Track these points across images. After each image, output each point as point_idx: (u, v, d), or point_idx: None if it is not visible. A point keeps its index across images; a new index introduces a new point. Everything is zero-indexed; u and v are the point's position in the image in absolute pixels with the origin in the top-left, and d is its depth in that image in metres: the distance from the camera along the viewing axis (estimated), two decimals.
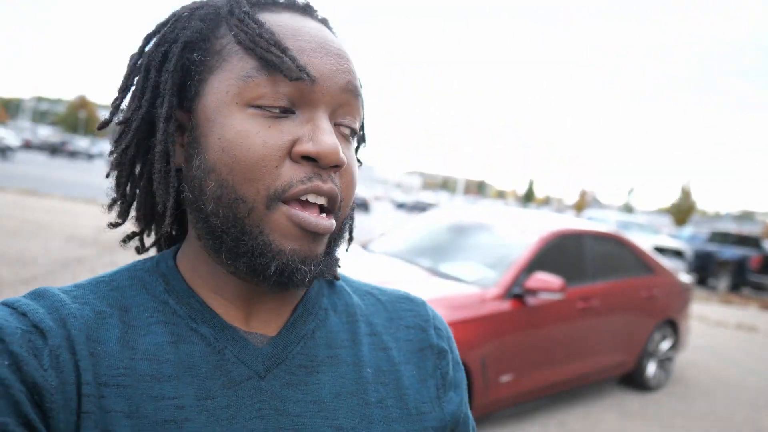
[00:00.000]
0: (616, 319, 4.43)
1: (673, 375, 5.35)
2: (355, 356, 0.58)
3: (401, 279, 3.69)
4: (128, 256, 5.65)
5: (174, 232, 0.64)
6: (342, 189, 0.51)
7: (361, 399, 0.55)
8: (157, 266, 0.56)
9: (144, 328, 0.50)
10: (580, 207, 72.34)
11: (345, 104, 0.52)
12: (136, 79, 0.54)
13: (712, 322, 8.72)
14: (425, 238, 4.61)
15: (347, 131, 0.53)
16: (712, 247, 14.75)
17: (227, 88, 0.49)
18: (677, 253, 14.89)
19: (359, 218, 24.27)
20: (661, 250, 14.88)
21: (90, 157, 41.58)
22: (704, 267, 14.53)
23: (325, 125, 0.49)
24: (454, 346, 0.67)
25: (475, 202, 59.57)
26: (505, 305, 3.51)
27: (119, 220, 0.59)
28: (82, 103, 75.77)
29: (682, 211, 47.42)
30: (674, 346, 5.11)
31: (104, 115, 0.59)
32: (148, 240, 0.64)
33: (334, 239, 0.54)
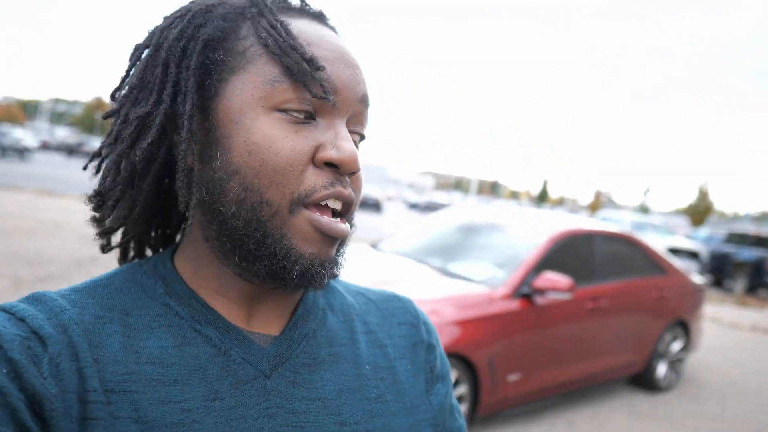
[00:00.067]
0: (626, 320, 4.42)
1: (684, 376, 5.31)
2: (354, 354, 0.60)
3: (410, 278, 3.72)
4: None
5: (164, 233, 0.64)
6: (354, 192, 0.53)
7: (362, 395, 0.57)
8: (155, 268, 0.55)
9: (146, 332, 0.50)
10: (594, 207, 71.73)
11: (359, 113, 0.54)
12: (155, 72, 0.51)
13: (726, 324, 8.63)
14: (435, 238, 4.64)
15: (357, 138, 0.55)
16: (729, 248, 14.54)
17: (252, 90, 0.49)
18: (692, 254, 14.70)
19: (371, 218, 24.32)
20: (675, 251, 14.71)
21: None
22: (720, 268, 14.33)
23: (345, 133, 0.50)
24: (439, 341, 0.70)
25: (488, 202, 59.39)
26: (514, 305, 3.53)
27: (111, 225, 0.55)
28: (98, 105, 76.72)
29: (699, 212, 46.84)
30: (685, 347, 5.07)
31: None
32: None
33: (342, 242, 0.55)
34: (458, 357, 3.19)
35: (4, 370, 0.41)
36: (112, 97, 0.54)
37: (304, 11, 0.55)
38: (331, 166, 0.49)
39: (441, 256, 4.19)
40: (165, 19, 0.54)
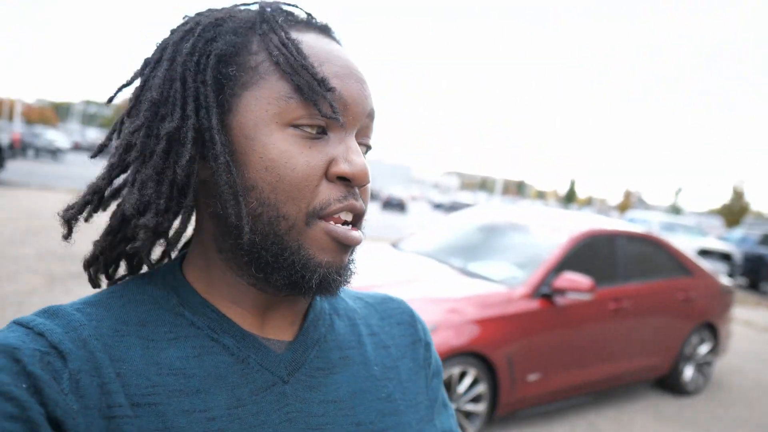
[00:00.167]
0: (650, 321, 4.35)
1: (712, 380, 5.20)
2: (362, 356, 0.61)
3: (429, 277, 3.74)
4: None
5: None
6: (364, 203, 0.54)
7: (374, 395, 0.59)
8: (165, 280, 0.55)
9: (164, 342, 0.50)
10: (624, 208, 70.41)
11: (366, 126, 0.55)
12: (174, 86, 0.50)
13: (759, 328, 8.39)
14: (455, 238, 4.64)
15: (364, 149, 0.56)
16: (764, 250, 14.08)
17: (267, 107, 0.49)
18: (725, 256, 14.33)
19: (395, 218, 24.34)
20: (706, 253, 14.36)
21: None
22: (755, 270, 13.90)
23: (355, 146, 0.52)
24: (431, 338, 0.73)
25: (513, 202, 58.82)
26: (533, 304, 3.51)
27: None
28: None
29: (734, 213, 45.59)
30: (713, 351, 4.96)
31: None
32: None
33: (354, 250, 0.56)
34: (477, 356, 3.20)
35: (23, 385, 0.41)
36: (129, 113, 0.53)
37: (311, 25, 0.55)
38: (343, 179, 0.51)
39: (461, 256, 4.19)
40: (173, 32, 0.54)
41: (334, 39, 0.56)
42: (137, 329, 0.50)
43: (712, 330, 4.93)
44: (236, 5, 0.56)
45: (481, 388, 3.24)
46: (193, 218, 0.56)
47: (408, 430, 0.60)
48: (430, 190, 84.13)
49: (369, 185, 0.55)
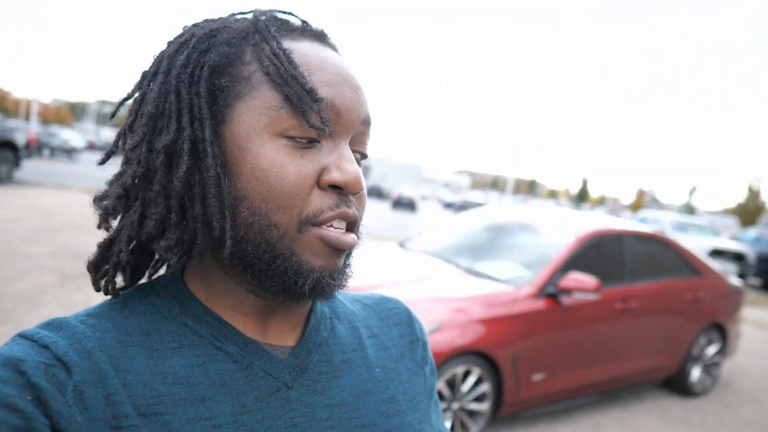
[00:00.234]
0: (657, 321, 4.34)
1: (720, 381, 5.17)
2: (363, 358, 0.62)
3: (435, 276, 3.76)
4: None
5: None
6: (358, 210, 0.54)
7: (377, 397, 0.60)
8: (167, 289, 0.55)
9: (168, 352, 0.50)
10: (636, 207, 69.82)
11: (361, 133, 0.55)
12: (169, 99, 0.51)
13: None
14: (462, 237, 4.66)
15: (359, 156, 0.56)
16: None
17: (258, 117, 0.50)
18: (738, 256, 14.17)
19: (405, 217, 24.35)
20: (719, 253, 14.22)
21: None
22: None
23: (348, 154, 0.51)
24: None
25: (525, 201, 58.50)
26: (539, 304, 3.52)
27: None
28: None
29: (749, 212, 44.99)
30: (721, 351, 4.93)
31: None
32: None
33: (350, 253, 0.56)
34: (481, 355, 3.22)
35: (28, 397, 0.41)
36: (131, 128, 0.53)
37: (306, 31, 0.55)
38: (335, 187, 0.51)
39: (468, 256, 4.21)
40: (169, 44, 0.54)
41: (329, 45, 0.56)
42: (141, 339, 0.50)
43: (720, 331, 4.90)
44: (233, 14, 0.57)
45: (485, 387, 3.26)
46: None
47: (411, 430, 0.61)
48: (441, 190, 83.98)
49: (364, 191, 0.55)
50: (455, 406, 3.17)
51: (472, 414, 3.28)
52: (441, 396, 3.12)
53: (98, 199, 0.54)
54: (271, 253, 0.49)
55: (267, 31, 0.52)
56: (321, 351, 0.58)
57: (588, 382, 3.90)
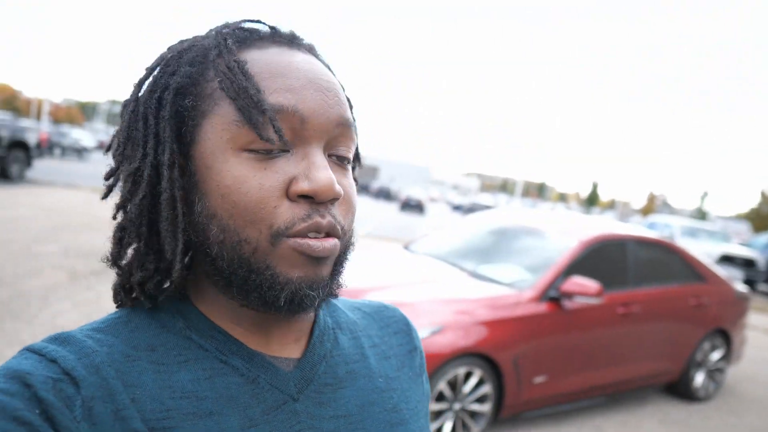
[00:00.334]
0: (660, 326, 4.35)
1: (725, 387, 5.17)
2: (366, 369, 0.62)
3: (438, 279, 3.80)
4: None
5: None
6: (342, 217, 0.52)
7: (381, 407, 0.60)
8: (170, 303, 0.55)
9: (175, 366, 0.50)
10: (647, 211, 69.33)
11: (338, 136, 0.52)
12: (137, 126, 0.52)
13: None
14: (467, 240, 4.69)
15: (343, 160, 0.54)
16: None
17: (221, 133, 0.49)
18: (748, 263, 14.07)
19: (413, 219, 24.38)
20: (729, 259, 14.12)
21: None
22: None
23: (319, 161, 0.49)
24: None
25: (534, 205, 58.29)
26: (540, 308, 3.55)
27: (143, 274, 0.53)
28: None
29: (762, 217, 44.58)
30: (725, 357, 4.93)
31: None
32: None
33: (340, 261, 0.54)
34: (483, 357, 3.26)
35: (36, 411, 0.41)
36: (113, 156, 0.54)
37: (275, 38, 0.54)
38: (307, 197, 0.49)
39: (472, 259, 4.25)
40: (146, 69, 0.55)
41: (302, 48, 0.55)
42: (147, 354, 0.50)
43: (725, 336, 4.90)
44: (210, 30, 0.56)
45: (487, 388, 3.30)
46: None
47: None
48: (450, 192, 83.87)
49: (349, 194, 0.53)
50: (457, 406, 3.21)
51: (473, 415, 3.32)
52: (442, 396, 3.16)
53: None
54: (246, 267, 0.49)
55: (224, 45, 0.52)
56: (325, 363, 0.58)
57: (590, 386, 3.93)
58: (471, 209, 37.23)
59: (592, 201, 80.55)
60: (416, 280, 3.76)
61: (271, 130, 0.48)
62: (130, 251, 0.54)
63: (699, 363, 4.73)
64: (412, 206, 30.76)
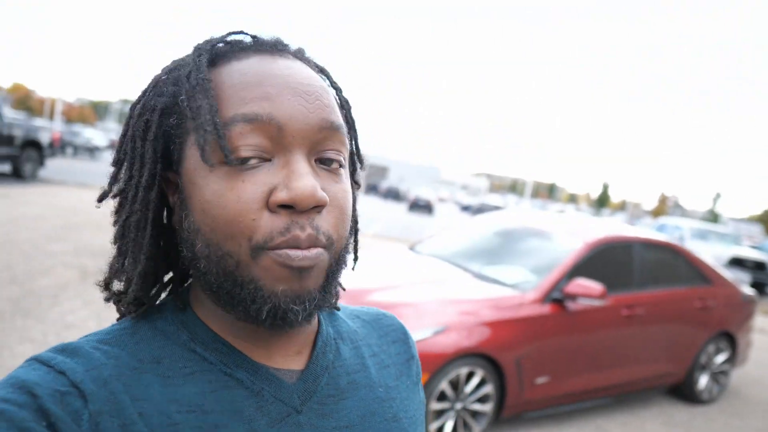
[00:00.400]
0: (665, 329, 4.36)
1: (729, 390, 5.16)
2: (367, 379, 0.62)
3: (442, 279, 3.84)
4: None
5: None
6: (331, 225, 0.50)
7: (381, 416, 0.60)
8: (174, 314, 0.55)
9: (180, 378, 0.50)
10: (658, 213, 68.82)
11: (323, 140, 0.51)
12: (126, 149, 0.54)
13: None
14: (472, 242, 4.73)
15: (333, 164, 0.52)
16: None
17: (197, 150, 0.49)
18: (759, 265, 13.94)
19: (421, 219, 24.39)
20: (739, 262, 14.00)
21: None
22: None
23: (299, 168, 0.48)
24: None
25: (543, 206, 58.02)
26: (544, 309, 3.58)
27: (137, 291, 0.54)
28: None
29: None
30: (730, 360, 4.92)
31: None
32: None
33: (332, 272, 0.52)
34: (485, 357, 3.29)
35: (43, 423, 0.41)
36: (110, 177, 0.56)
37: (257, 47, 0.54)
38: (288, 207, 0.47)
39: (477, 260, 4.28)
40: (141, 92, 0.56)
41: (285, 54, 0.54)
42: (153, 366, 0.50)
43: (730, 339, 4.89)
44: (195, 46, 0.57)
45: (489, 388, 3.33)
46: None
47: None
48: (459, 192, 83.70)
49: (338, 200, 0.51)
50: (458, 406, 3.25)
51: (475, 414, 3.35)
52: (444, 396, 3.20)
53: None
54: (232, 281, 0.49)
55: (195, 63, 0.51)
56: (328, 374, 0.59)
57: (592, 387, 3.94)
58: (480, 210, 37.11)
59: (602, 202, 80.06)
60: (420, 281, 3.80)
61: (219, 149, 0.48)
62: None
63: (703, 365, 4.72)
64: (421, 206, 30.72)
